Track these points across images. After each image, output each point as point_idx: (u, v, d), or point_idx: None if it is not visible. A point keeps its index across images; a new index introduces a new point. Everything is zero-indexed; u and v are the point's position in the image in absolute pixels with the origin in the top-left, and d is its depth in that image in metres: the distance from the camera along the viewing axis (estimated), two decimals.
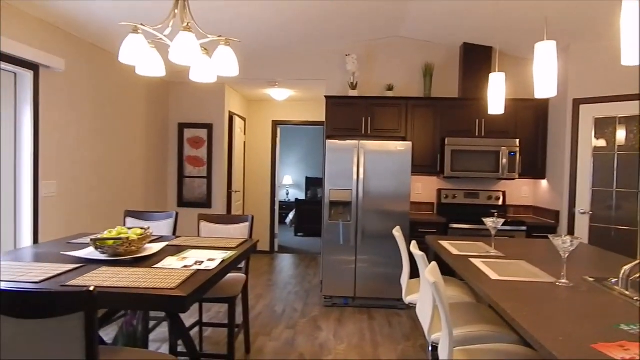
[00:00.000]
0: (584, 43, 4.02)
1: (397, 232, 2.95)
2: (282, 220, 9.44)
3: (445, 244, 3.01)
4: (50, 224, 3.33)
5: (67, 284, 1.74)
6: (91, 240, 2.15)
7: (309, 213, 8.69)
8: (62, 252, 2.31)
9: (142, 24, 2.23)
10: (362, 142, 4.26)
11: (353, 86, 4.79)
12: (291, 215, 9.37)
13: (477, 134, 4.56)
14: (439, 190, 4.86)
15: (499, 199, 4.79)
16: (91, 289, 1.33)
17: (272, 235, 6.91)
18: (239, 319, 3.51)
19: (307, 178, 10.34)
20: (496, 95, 3.10)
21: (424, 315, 2.22)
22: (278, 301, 4.46)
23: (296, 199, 9.07)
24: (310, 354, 3.21)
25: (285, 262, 6.37)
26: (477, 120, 4.56)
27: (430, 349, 2.71)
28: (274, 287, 4.99)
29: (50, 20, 3.26)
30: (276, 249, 7.02)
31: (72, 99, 3.59)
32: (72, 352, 1.35)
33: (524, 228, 4.26)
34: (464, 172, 4.50)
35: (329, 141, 4.31)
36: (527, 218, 4.62)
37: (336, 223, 4.30)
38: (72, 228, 3.59)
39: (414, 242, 2.50)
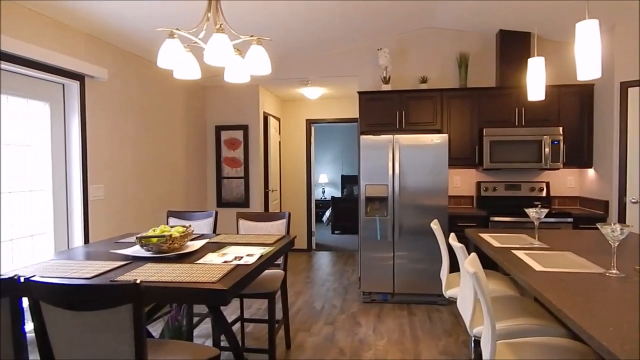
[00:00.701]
0: (631, 22, 3.80)
1: (435, 225, 2.91)
2: (318, 219, 9.50)
3: (486, 236, 2.93)
4: (99, 225, 3.50)
5: (116, 279, 1.83)
6: (137, 238, 2.25)
7: (345, 211, 8.69)
8: (110, 251, 2.43)
9: (177, 29, 2.31)
10: (396, 136, 4.22)
11: (386, 80, 4.75)
12: (327, 213, 9.41)
13: (516, 124, 4.41)
14: (478, 183, 4.74)
15: (542, 190, 4.61)
16: (137, 281, 1.39)
17: (309, 234, 6.96)
18: (278, 315, 3.57)
19: (342, 176, 10.34)
20: (536, 82, 2.99)
21: (465, 308, 2.17)
22: (317, 297, 4.49)
23: (332, 197, 9.09)
24: (350, 349, 3.21)
25: (323, 259, 6.39)
26: (517, 109, 4.41)
27: (472, 344, 2.65)
28: (312, 284, 5.03)
29: (94, 33, 3.43)
30: (313, 247, 7.07)
31: (115, 106, 3.76)
32: (122, 342, 1.42)
33: (570, 219, 4.08)
34: (504, 163, 4.36)
35: (363, 137, 4.29)
36: (574, 209, 4.42)
37: (372, 219, 4.27)
38: (119, 228, 3.76)
39: (452, 235, 2.45)
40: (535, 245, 2.59)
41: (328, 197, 10.26)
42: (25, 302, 1.51)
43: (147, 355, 1.44)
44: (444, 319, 3.82)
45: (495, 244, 2.67)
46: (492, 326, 1.65)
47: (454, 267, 2.83)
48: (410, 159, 4.19)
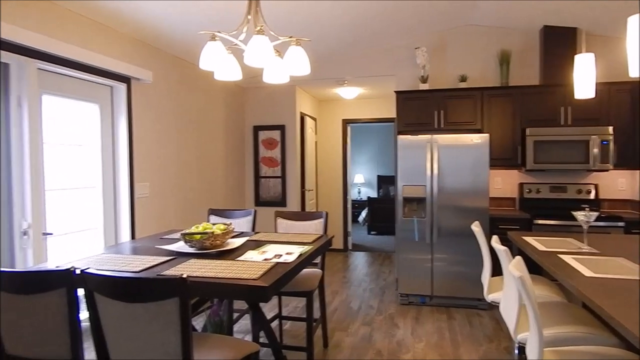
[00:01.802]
0: None
1: (476, 227, 2.84)
2: (354, 219, 9.47)
3: (530, 240, 2.84)
4: (144, 222, 3.65)
5: (162, 273, 1.90)
6: (181, 234, 2.32)
7: (381, 211, 8.62)
8: (156, 246, 2.53)
9: (218, 32, 2.37)
10: (435, 136, 4.15)
11: (424, 79, 4.68)
12: (364, 214, 9.37)
13: (562, 123, 4.23)
14: (521, 184, 4.58)
15: (590, 192, 4.40)
16: (184, 276, 1.44)
17: (345, 234, 6.95)
18: (316, 314, 3.59)
19: (378, 176, 10.26)
20: (584, 79, 2.86)
21: (509, 313, 2.11)
22: (353, 298, 4.48)
23: (368, 197, 9.04)
24: (387, 351, 3.19)
25: (359, 259, 6.37)
26: (563, 108, 4.23)
27: (516, 350, 2.57)
28: (349, 284, 5.02)
29: (139, 37, 3.57)
30: (350, 247, 7.06)
31: (159, 108, 3.90)
32: (169, 334, 1.47)
33: (621, 224, 3.88)
34: (549, 164, 4.20)
35: (400, 137, 4.25)
36: (625, 213, 4.20)
37: (410, 220, 4.22)
38: (162, 225, 3.90)
39: (495, 237, 2.39)
40: (584, 250, 2.48)
41: (364, 198, 10.22)
42: (80, 292, 1.59)
43: (192, 347, 1.49)
44: (484, 324, 3.72)
45: (541, 247, 2.58)
46: (539, 333, 1.60)
47: (496, 270, 2.75)
48: (450, 159, 4.11)
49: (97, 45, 3.14)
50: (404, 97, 4.61)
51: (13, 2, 2.50)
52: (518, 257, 1.81)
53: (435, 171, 4.14)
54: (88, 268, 1.56)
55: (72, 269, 1.54)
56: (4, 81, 2.56)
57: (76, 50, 2.85)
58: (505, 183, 4.73)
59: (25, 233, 2.61)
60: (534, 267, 2.56)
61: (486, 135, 4.05)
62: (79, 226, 3.12)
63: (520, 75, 4.61)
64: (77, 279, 1.55)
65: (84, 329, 1.62)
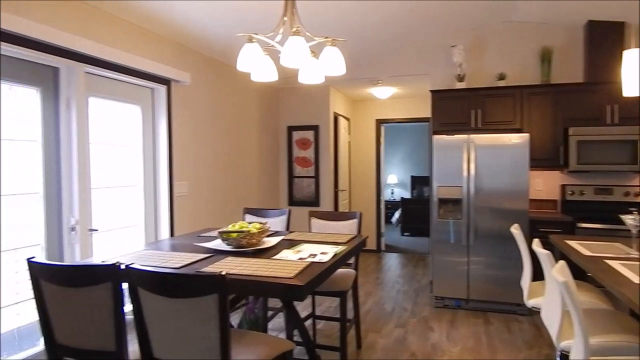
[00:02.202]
0: None
1: (516, 230, 2.75)
2: (387, 220, 9.38)
3: (573, 244, 2.73)
4: (182, 219, 3.75)
5: (201, 270, 1.95)
6: (218, 232, 2.37)
7: (415, 212, 8.51)
8: (194, 243, 2.60)
9: (255, 33, 2.41)
10: (472, 136, 4.05)
11: (460, 78, 4.58)
12: (397, 215, 9.27)
13: (608, 122, 4.04)
14: (563, 186, 4.40)
15: (638, 195, 4.18)
16: (223, 273, 1.47)
17: (379, 234, 6.90)
18: (349, 314, 3.58)
19: (412, 177, 10.13)
20: (633, 75, 2.71)
21: (551, 320, 2.04)
22: (387, 299, 4.45)
23: (402, 198, 8.94)
24: (422, 354, 3.14)
25: (393, 261, 6.31)
26: (609, 107, 4.04)
27: (558, 358, 2.47)
28: (383, 285, 4.99)
29: (178, 40, 3.68)
30: (383, 248, 7.00)
31: (196, 109, 4.00)
32: (208, 329, 1.51)
33: None
34: (593, 165, 4.02)
35: (435, 137, 4.18)
36: None
37: (446, 221, 4.14)
38: (199, 223, 4.00)
39: (536, 240, 2.31)
40: (633, 256, 2.36)
41: (397, 198, 10.11)
42: (124, 286, 1.66)
43: (230, 343, 1.52)
44: (524, 330, 3.60)
45: (585, 252, 2.47)
46: (584, 341, 1.53)
47: (537, 275, 2.66)
48: (487, 159, 4.01)
49: (139, 48, 3.26)
50: (439, 96, 4.53)
51: (63, 8, 2.63)
52: (562, 262, 1.74)
53: (472, 172, 4.04)
54: (132, 263, 1.62)
55: (117, 264, 1.60)
56: (54, 84, 2.70)
57: (120, 54, 2.97)
58: (546, 184, 4.56)
59: (73, 229, 2.75)
60: (578, 272, 2.46)
61: (526, 135, 3.92)
62: (121, 223, 3.24)
63: (562, 72, 4.43)
64: (122, 273, 1.61)
65: (127, 322, 1.69)
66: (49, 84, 2.66)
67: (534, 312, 3.91)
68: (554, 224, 3.96)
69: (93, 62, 2.81)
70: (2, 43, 2.25)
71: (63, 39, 2.53)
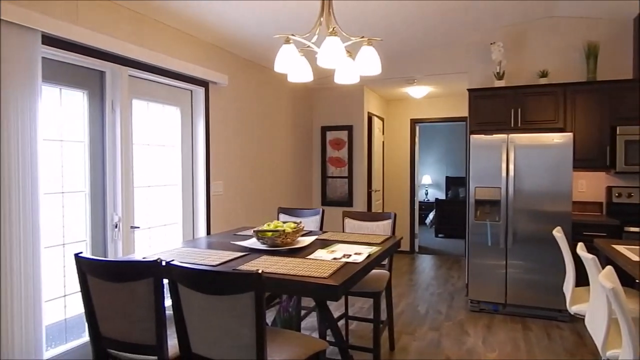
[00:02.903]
0: None
1: (558, 233, 2.65)
2: (421, 221, 9.25)
3: (621, 249, 2.59)
4: (218, 218, 3.84)
5: (238, 268, 1.99)
6: (254, 231, 2.41)
7: (449, 213, 8.34)
8: (230, 242, 2.65)
9: (292, 34, 2.43)
10: (511, 135, 3.93)
11: (499, 76, 4.45)
12: (431, 216, 9.12)
13: None
14: (609, 188, 4.20)
15: None
16: (259, 271, 1.49)
17: (412, 236, 6.81)
18: (382, 315, 3.55)
19: (447, 177, 9.94)
20: None
21: (597, 327, 1.95)
22: (420, 301, 4.38)
23: (436, 199, 8.78)
24: (457, 358, 3.08)
25: (426, 262, 6.21)
26: None
27: None
28: (416, 287, 4.92)
29: (216, 43, 3.76)
30: (416, 249, 6.90)
31: (232, 110, 4.08)
32: (244, 326, 1.53)
33: None
34: None
35: (473, 136, 4.08)
36: None
37: (483, 223, 4.04)
38: (234, 222, 4.07)
39: (581, 244, 2.21)
40: None
41: (431, 199, 9.95)
42: (164, 282, 1.71)
43: (266, 341, 1.54)
44: (565, 337, 3.46)
45: (635, 257, 2.35)
46: (634, 351, 1.46)
47: (580, 280, 2.55)
48: (527, 160, 3.88)
49: (179, 52, 3.36)
50: (476, 95, 4.42)
51: (109, 15, 2.75)
52: (609, 267, 1.66)
53: (512, 173, 3.92)
54: (172, 260, 1.67)
55: (159, 261, 1.66)
56: (100, 87, 2.82)
57: (162, 58, 3.07)
58: (590, 186, 4.36)
59: (116, 226, 2.86)
60: (625, 278, 2.34)
61: (569, 134, 3.76)
62: (161, 221, 3.35)
63: (609, 69, 4.22)
64: (163, 270, 1.67)
65: (167, 317, 1.74)
66: (95, 87, 2.79)
67: (576, 319, 3.75)
68: (599, 227, 3.78)
69: (136, 66, 2.92)
70: (53, 48, 2.38)
71: (109, 43, 2.64)
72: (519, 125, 4.24)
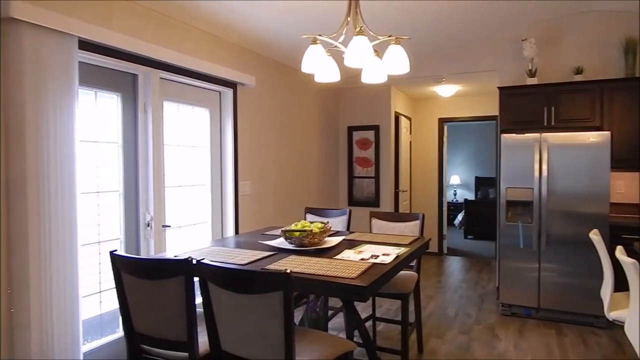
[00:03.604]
0: None
1: (595, 236, 2.55)
2: (450, 222, 9.10)
3: None
4: (246, 218, 3.88)
5: (266, 267, 2.01)
6: (282, 231, 2.43)
7: (479, 214, 8.17)
8: (259, 241, 2.68)
9: (319, 35, 2.43)
10: (544, 134, 3.81)
11: (532, 73, 4.32)
12: (460, 217, 8.96)
13: None
14: None
15: None
16: (288, 271, 1.50)
17: (440, 237, 6.70)
18: (410, 317, 3.51)
19: (476, 177, 9.73)
20: None
21: (637, 335, 1.86)
22: (449, 304, 4.30)
23: (465, 200, 8.62)
24: None
25: (455, 264, 6.10)
26: None
27: None
28: (445, 289, 4.84)
29: (244, 44, 3.81)
30: (445, 250, 6.79)
31: (259, 110, 4.12)
32: (273, 325, 1.54)
33: None
34: None
35: (504, 135, 3.98)
36: None
37: (514, 225, 3.93)
38: (261, 221, 4.11)
39: (620, 248, 2.12)
40: None
41: (460, 200, 9.77)
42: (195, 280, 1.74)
43: (294, 340, 1.55)
44: (602, 344, 3.33)
45: None
46: None
47: (619, 285, 2.45)
48: (561, 159, 3.75)
49: (208, 54, 3.42)
50: (508, 93, 4.31)
51: (141, 19, 2.82)
52: None
53: (545, 173, 3.81)
54: (203, 259, 1.70)
55: (190, 259, 1.69)
56: (133, 90, 2.90)
57: (192, 60, 3.13)
58: (629, 187, 4.18)
59: (148, 225, 2.94)
60: None
61: (606, 133, 3.62)
62: (190, 220, 3.42)
63: None
64: (194, 268, 1.70)
65: (198, 315, 1.77)
66: (128, 89, 2.87)
67: (615, 326, 3.60)
68: (638, 230, 3.62)
69: (167, 68, 2.99)
70: (89, 53, 2.46)
71: (141, 47, 2.71)
72: (552, 123, 4.11)
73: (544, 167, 3.80)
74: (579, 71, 4.19)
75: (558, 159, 3.77)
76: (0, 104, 2.07)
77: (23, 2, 2.04)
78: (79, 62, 2.37)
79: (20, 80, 2.08)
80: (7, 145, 2.09)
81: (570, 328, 3.66)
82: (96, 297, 2.71)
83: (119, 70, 2.78)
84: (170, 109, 3.22)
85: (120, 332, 2.77)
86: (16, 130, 2.09)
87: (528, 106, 4.21)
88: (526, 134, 3.89)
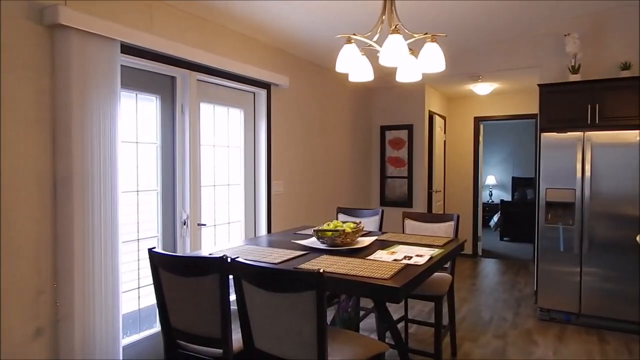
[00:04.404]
0: None
1: None
2: (485, 223, 8.86)
3: None
4: (278, 217, 3.92)
5: (299, 266, 2.02)
6: (314, 231, 2.44)
7: (516, 216, 7.92)
8: (291, 240, 2.70)
9: (354, 34, 2.42)
10: (587, 133, 3.66)
11: (574, 70, 4.14)
12: (495, 218, 8.71)
13: None
14: None
15: None
16: (321, 270, 1.51)
17: (475, 238, 6.55)
18: (444, 320, 3.45)
19: (513, 178, 9.44)
20: None
21: None
22: (484, 307, 4.20)
23: (501, 201, 8.38)
24: None
25: (490, 267, 5.95)
26: None
27: None
28: (479, 292, 4.72)
29: (278, 45, 3.85)
30: (480, 252, 6.63)
31: (292, 111, 4.15)
32: (305, 324, 1.56)
33: None
34: None
35: (544, 134, 3.84)
36: None
37: (555, 227, 3.79)
38: (293, 221, 4.14)
39: None
40: None
41: (496, 201, 9.50)
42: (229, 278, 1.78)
43: (327, 339, 1.55)
44: None
45: None
46: None
47: None
48: (606, 159, 3.58)
49: (243, 55, 3.47)
50: (548, 91, 4.15)
51: (179, 22, 2.90)
52: None
53: (588, 173, 3.65)
54: (237, 257, 1.73)
55: (224, 257, 1.73)
56: (171, 92, 2.99)
57: (227, 62, 3.19)
58: None
59: (184, 223, 3.02)
60: None
61: None
62: (224, 219, 3.49)
63: None
64: (228, 266, 1.73)
65: (232, 312, 1.81)
66: (166, 91, 2.96)
67: None
68: None
69: (204, 70, 3.06)
70: (130, 56, 2.55)
71: (180, 50, 2.79)
72: (596, 122, 3.92)
73: (587, 167, 3.65)
74: (626, 67, 3.98)
75: (602, 158, 3.60)
76: (53, 106, 2.18)
77: (70, 10, 2.14)
78: (121, 65, 2.46)
79: (68, 84, 2.18)
80: (55, 146, 2.20)
81: (613, 335, 3.50)
82: (135, 292, 2.81)
83: (158, 72, 2.87)
84: (206, 110, 3.29)
85: (157, 327, 2.86)
86: (63, 131, 2.19)
87: (570, 104, 4.04)
88: (568, 133, 3.74)
